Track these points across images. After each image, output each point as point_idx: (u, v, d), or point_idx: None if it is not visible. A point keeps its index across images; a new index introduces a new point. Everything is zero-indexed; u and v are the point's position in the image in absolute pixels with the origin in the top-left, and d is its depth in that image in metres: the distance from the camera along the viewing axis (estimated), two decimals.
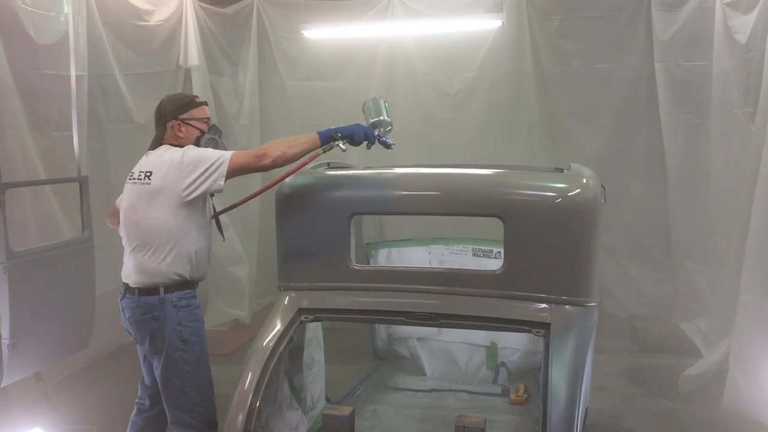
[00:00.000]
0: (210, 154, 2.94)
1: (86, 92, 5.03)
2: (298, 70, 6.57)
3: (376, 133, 3.19)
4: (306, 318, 3.18)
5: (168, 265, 2.98)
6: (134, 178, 3.05)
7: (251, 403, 2.83)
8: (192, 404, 3.05)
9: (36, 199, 4.74)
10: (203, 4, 6.28)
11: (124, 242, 3.12)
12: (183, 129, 3.10)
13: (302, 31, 5.59)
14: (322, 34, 5.80)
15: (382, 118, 3.23)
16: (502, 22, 5.37)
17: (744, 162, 4.60)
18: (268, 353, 2.98)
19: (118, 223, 3.19)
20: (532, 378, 4.50)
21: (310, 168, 3.43)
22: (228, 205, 3.43)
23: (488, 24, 5.65)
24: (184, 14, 6.10)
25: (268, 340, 3.05)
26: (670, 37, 5.55)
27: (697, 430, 4.23)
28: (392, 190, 3.19)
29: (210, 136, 3.14)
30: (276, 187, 3.28)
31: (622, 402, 4.61)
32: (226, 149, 3.13)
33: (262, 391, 2.89)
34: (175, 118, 3.10)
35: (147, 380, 3.26)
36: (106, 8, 5.28)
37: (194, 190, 2.91)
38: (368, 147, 3.20)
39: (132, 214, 3.03)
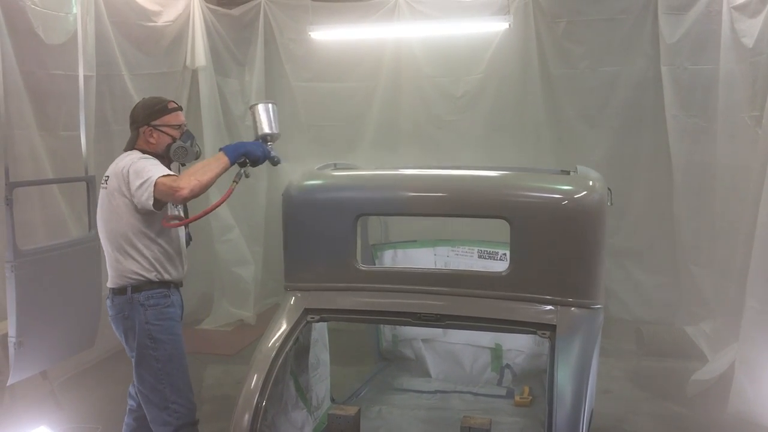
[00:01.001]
0: (145, 171, 2.91)
1: (94, 92, 5.05)
2: (305, 71, 6.59)
3: (269, 149, 3.11)
4: (312, 318, 3.19)
5: (131, 266, 3.03)
6: (102, 183, 3.11)
7: (257, 403, 2.83)
8: (166, 401, 3.08)
9: (44, 199, 4.76)
10: (210, 6, 6.30)
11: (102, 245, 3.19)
12: (155, 135, 3.12)
13: (309, 33, 5.61)
14: (329, 35, 5.81)
15: (273, 132, 3.14)
16: (509, 25, 5.37)
17: (750, 165, 4.59)
18: (274, 353, 2.98)
19: None
20: (537, 380, 4.49)
21: (317, 169, 3.44)
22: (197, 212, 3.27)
23: (495, 26, 5.65)
24: (192, 15, 6.12)
25: (274, 340, 3.05)
26: (676, 41, 5.55)
27: None
28: (398, 192, 3.20)
29: (180, 144, 3.13)
30: (284, 188, 3.28)
31: (626, 405, 4.60)
32: (199, 155, 3.19)
33: (268, 391, 2.89)
34: (147, 124, 3.12)
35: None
36: (115, 9, 5.31)
37: (136, 201, 2.93)
38: (273, 163, 3.15)
39: (100, 218, 3.11)
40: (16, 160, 4.43)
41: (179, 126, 3.17)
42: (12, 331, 3.84)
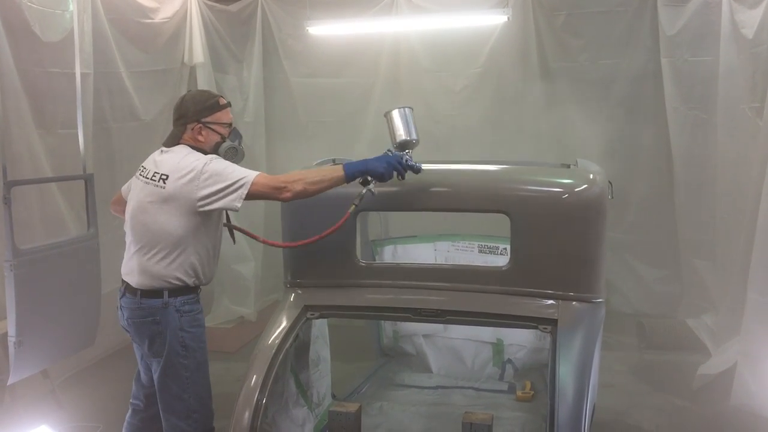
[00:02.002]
0: (232, 172, 2.80)
1: (92, 90, 5.03)
2: (303, 67, 6.56)
3: (404, 158, 2.95)
4: (312, 315, 3.18)
5: (174, 270, 2.89)
6: (147, 177, 2.93)
7: (257, 401, 2.83)
8: (189, 411, 2.98)
9: (42, 197, 4.75)
10: (208, 2, 6.27)
11: (128, 240, 3.02)
12: (204, 133, 2.96)
13: (307, 28, 5.58)
14: (327, 30, 5.79)
15: (411, 139, 2.99)
16: (508, 18, 5.34)
17: (751, 157, 4.57)
18: (274, 350, 2.97)
19: (123, 212, 3.11)
20: (539, 375, 4.48)
21: (316, 164, 3.43)
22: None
23: (493, 20, 5.62)
24: (189, 11, 6.10)
25: (274, 337, 3.04)
26: (676, 33, 5.52)
27: (704, 427, 4.21)
28: (398, 186, 3.18)
29: (230, 144, 2.99)
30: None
31: (628, 399, 4.59)
32: (244, 155, 3.07)
33: (268, 389, 2.88)
34: (198, 120, 2.96)
35: (144, 379, 3.18)
36: (112, 6, 5.28)
37: (209, 204, 2.80)
38: (399, 179, 2.98)
39: (141, 215, 2.93)
40: (14, 159, 4.41)
41: (229, 124, 3.06)
42: (12, 331, 3.83)
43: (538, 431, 3.71)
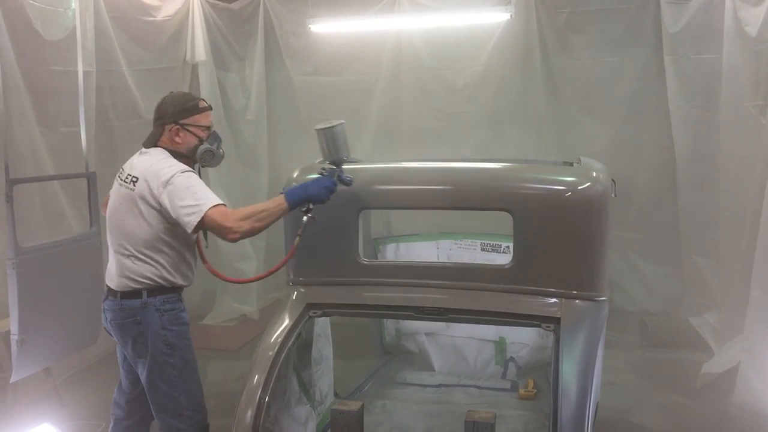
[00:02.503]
0: (193, 194, 2.77)
1: (94, 88, 5.03)
2: (305, 64, 6.56)
3: (336, 175, 3.01)
4: (314, 313, 3.17)
5: (150, 270, 2.88)
6: (121, 179, 2.95)
7: (260, 399, 2.82)
8: (181, 409, 2.97)
9: (44, 195, 4.75)
10: (210, 0, 6.27)
11: (108, 243, 3.03)
12: (181, 135, 2.96)
13: (309, 26, 5.58)
14: (329, 28, 5.79)
15: (342, 157, 3.04)
16: (510, 16, 5.34)
17: (754, 155, 4.55)
18: (276, 349, 2.96)
19: None
20: (542, 373, 4.48)
21: (318, 162, 3.42)
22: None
23: (496, 17, 5.62)
24: (191, 10, 6.10)
25: (276, 335, 3.04)
26: (679, 30, 5.51)
27: (707, 425, 4.20)
28: (400, 185, 3.18)
29: (207, 146, 2.99)
30: (284, 181, 3.26)
31: (631, 397, 4.58)
32: (222, 158, 3.07)
33: (270, 387, 2.87)
34: (175, 122, 2.96)
35: (125, 384, 3.16)
36: (114, 4, 5.29)
37: (174, 215, 2.80)
38: (347, 185, 3.06)
39: (115, 217, 2.95)
40: (17, 157, 4.41)
41: (208, 127, 3.04)
42: (14, 329, 3.82)
43: (540, 430, 3.70)
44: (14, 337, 3.82)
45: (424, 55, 6.23)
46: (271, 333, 3.06)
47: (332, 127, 3.00)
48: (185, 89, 6.20)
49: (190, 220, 2.74)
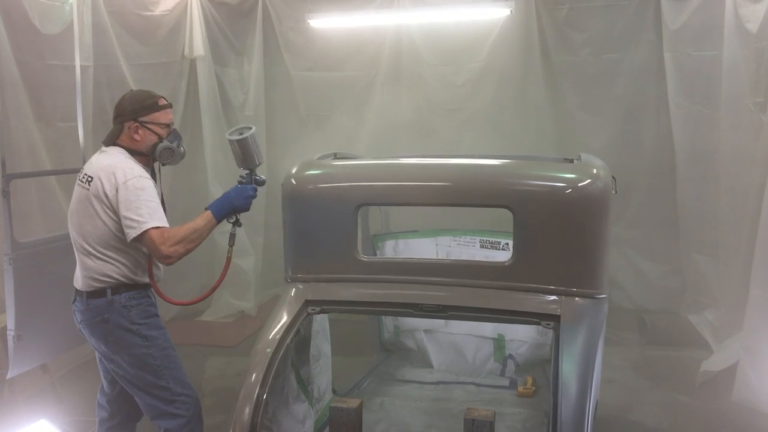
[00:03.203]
0: (138, 208, 2.78)
1: (92, 83, 5.02)
2: (304, 60, 6.54)
3: (253, 179, 3.11)
4: (313, 310, 3.15)
5: (110, 269, 2.88)
6: (80, 179, 2.95)
7: (258, 396, 2.80)
8: (173, 395, 2.99)
9: (41, 191, 4.73)
10: None
11: (72, 245, 3.02)
12: (140, 132, 2.96)
13: (308, 21, 5.56)
14: (328, 23, 5.77)
15: (257, 164, 3.10)
16: (510, 11, 5.32)
17: (754, 153, 4.55)
18: (274, 346, 2.94)
19: None
20: (540, 370, 4.47)
21: (317, 158, 3.40)
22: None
23: (496, 13, 5.60)
24: (189, 4, 6.08)
25: (274, 332, 3.01)
26: (679, 27, 5.49)
27: (706, 423, 4.19)
28: (399, 181, 3.15)
29: (167, 144, 2.99)
30: (283, 178, 3.25)
31: (630, 395, 4.58)
32: (183, 156, 3.09)
33: (269, 384, 2.86)
34: (134, 119, 2.95)
35: (105, 384, 3.18)
36: None
37: (120, 219, 2.82)
38: (260, 184, 3.19)
39: (74, 217, 2.94)
40: (13, 152, 4.39)
41: (168, 125, 3.03)
42: (11, 325, 3.82)
43: (539, 427, 3.69)
44: (11, 333, 3.82)
45: (424, 51, 6.21)
46: (269, 330, 3.04)
47: (242, 138, 3.00)
48: (183, 84, 6.18)
49: (129, 233, 2.79)
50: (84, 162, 4.45)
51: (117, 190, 2.80)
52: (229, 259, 3.14)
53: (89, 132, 4.83)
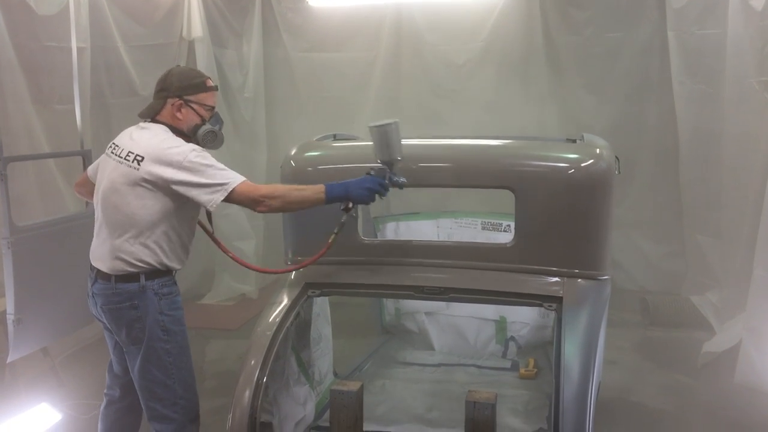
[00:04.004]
0: (216, 172, 2.68)
1: (89, 64, 4.97)
2: (303, 41, 6.48)
3: (386, 177, 2.83)
4: (313, 293, 3.14)
5: (147, 254, 2.76)
6: (120, 156, 2.78)
7: (258, 379, 2.79)
8: (175, 398, 2.87)
9: (39, 174, 4.70)
10: None
11: (98, 224, 2.89)
12: (183, 111, 2.83)
13: (307, 0, 5.49)
14: (328, 2, 5.72)
15: (394, 159, 2.83)
16: None
17: (759, 132, 4.51)
18: (274, 329, 2.93)
19: (90, 194, 3.00)
20: (542, 352, 4.46)
21: (316, 140, 3.37)
22: None
23: None
24: None
25: (274, 315, 3.00)
26: (683, 5, 5.44)
27: (709, 404, 4.18)
28: (400, 163, 3.12)
29: (210, 127, 2.86)
30: (282, 159, 3.21)
31: (632, 376, 4.57)
32: (223, 141, 2.95)
33: (269, 367, 2.84)
34: (179, 96, 2.82)
35: (117, 369, 3.07)
36: None
37: (183, 191, 2.69)
38: (400, 187, 2.89)
39: (112, 196, 2.79)
40: (10, 135, 4.36)
41: (212, 107, 2.91)
42: (10, 308, 3.80)
43: (541, 409, 3.68)
44: (10, 317, 3.80)
45: (425, 30, 6.15)
46: (269, 313, 3.03)
47: (385, 125, 2.80)
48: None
49: (215, 197, 2.67)
50: (82, 145, 4.43)
51: (180, 170, 2.67)
52: (329, 245, 2.92)
53: (87, 114, 4.78)
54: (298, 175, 3.13)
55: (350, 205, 2.82)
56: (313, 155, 3.20)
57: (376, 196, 2.83)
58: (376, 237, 4.52)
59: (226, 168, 2.75)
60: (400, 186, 2.86)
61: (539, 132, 5.61)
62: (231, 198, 2.70)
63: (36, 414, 3.91)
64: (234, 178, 2.71)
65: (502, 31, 5.98)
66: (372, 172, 2.85)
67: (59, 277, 4.09)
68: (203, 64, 6.09)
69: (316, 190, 2.78)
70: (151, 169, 2.70)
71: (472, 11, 5.93)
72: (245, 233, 6.35)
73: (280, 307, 3.04)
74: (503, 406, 3.54)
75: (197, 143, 2.84)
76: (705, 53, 5.36)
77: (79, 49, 4.58)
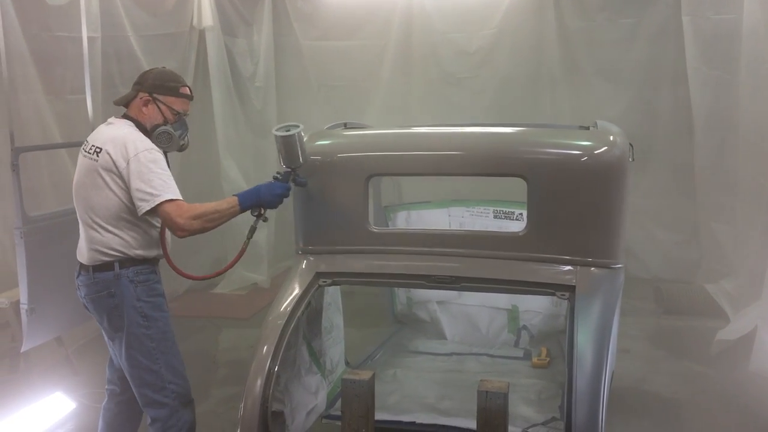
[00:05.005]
0: (152, 180, 2.73)
1: (100, 54, 4.97)
2: (314, 29, 6.46)
3: (291, 179, 2.98)
4: (324, 282, 3.13)
5: (118, 242, 2.83)
6: (86, 151, 2.88)
7: (269, 368, 2.79)
8: (163, 382, 2.92)
9: (52, 164, 4.72)
10: None
11: (77, 217, 2.97)
12: (149, 107, 2.91)
13: None
14: None
15: (298, 165, 2.96)
16: None
17: None
18: (286, 318, 2.93)
19: None
20: (554, 341, 4.43)
21: (327, 128, 3.35)
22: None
23: None
24: None
25: (285, 304, 3.00)
26: None
27: (723, 392, 4.15)
28: (411, 151, 3.10)
29: (167, 128, 2.90)
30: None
31: (646, 365, 4.55)
32: (183, 148, 3.01)
33: (280, 356, 2.84)
34: (150, 93, 2.91)
35: (116, 361, 3.11)
36: None
37: (131, 193, 2.76)
38: (302, 186, 3.07)
39: (81, 189, 2.88)
40: (22, 125, 4.37)
41: (179, 113, 2.97)
42: (23, 298, 3.82)
43: (554, 398, 3.67)
44: (24, 306, 3.82)
45: (435, 18, 6.11)
46: (281, 302, 3.02)
47: (288, 136, 2.89)
48: (192, 56, 6.13)
49: (142, 206, 2.73)
50: None
51: (128, 163, 2.74)
52: (243, 250, 3.08)
53: (98, 104, 4.78)
54: (309, 165, 3.12)
55: (262, 210, 2.95)
56: (324, 144, 3.18)
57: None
58: (387, 226, 4.51)
59: (169, 181, 2.78)
60: (304, 184, 3.04)
61: (552, 119, 5.57)
62: (156, 212, 2.74)
63: (50, 403, 3.93)
64: (165, 194, 2.74)
65: (513, 18, 5.93)
66: (279, 177, 2.97)
67: (72, 266, 4.08)
68: (214, 53, 6.10)
69: (230, 201, 2.88)
70: (106, 157, 2.78)
71: None
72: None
73: (291, 297, 3.03)
74: (515, 396, 3.52)
75: (153, 141, 2.90)
76: (720, 38, 5.29)
77: (90, 39, 4.58)
